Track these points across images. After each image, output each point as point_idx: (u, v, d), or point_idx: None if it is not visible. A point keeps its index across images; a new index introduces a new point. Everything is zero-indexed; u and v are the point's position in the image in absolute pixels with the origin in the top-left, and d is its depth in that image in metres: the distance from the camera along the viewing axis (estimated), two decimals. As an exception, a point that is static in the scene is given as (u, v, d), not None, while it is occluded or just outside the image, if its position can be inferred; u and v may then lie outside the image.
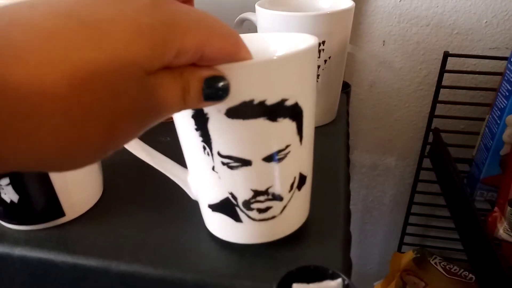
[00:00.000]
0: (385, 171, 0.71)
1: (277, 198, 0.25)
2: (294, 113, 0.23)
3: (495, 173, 0.50)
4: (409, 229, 0.71)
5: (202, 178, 0.26)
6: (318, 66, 0.40)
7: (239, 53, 0.19)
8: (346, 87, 0.55)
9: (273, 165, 0.24)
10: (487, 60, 0.58)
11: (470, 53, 0.58)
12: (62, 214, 0.30)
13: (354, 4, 0.40)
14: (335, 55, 0.40)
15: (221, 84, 0.19)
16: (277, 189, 0.25)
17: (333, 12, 0.38)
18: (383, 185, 0.73)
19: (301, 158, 0.26)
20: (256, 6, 0.41)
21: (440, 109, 0.60)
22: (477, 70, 0.59)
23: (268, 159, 0.23)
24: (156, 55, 0.15)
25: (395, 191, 0.73)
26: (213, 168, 0.24)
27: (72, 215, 0.31)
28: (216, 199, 0.26)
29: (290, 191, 0.26)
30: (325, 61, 0.40)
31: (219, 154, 0.23)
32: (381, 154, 0.69)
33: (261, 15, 0.41)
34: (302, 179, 0.26)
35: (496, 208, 0.47)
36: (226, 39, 0.18)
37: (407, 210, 0.68)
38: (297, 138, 0.24)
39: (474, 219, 0.44)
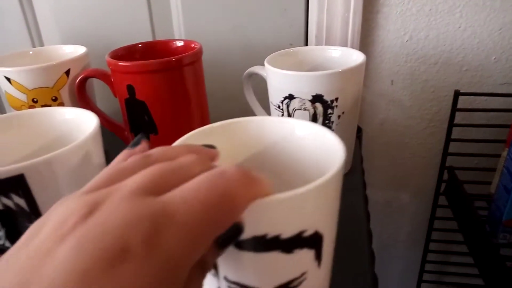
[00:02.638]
0: (399, 208, 0.69)
1: None
2: (313, 242, 0.21)
3: (517, 216, 0.48)
4: (427, 267, 0.69)
5: None
6: (332, 122, 0.39)
7: (254, 197, 0.17)
8: (357, 132, 0.54)
9: None
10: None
11: (480, 89, 0.58)
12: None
13: (365, 58, 0.40)
14: (349, 109, 0.40)
15: (236, 229, 0.18)
16: None
17: (345, 70, 0.37)
18: (398, 222, 0.71)
19: (319, 280, 0.23)
20: (266, 64, 0.41)
21: (453, 146, 0.59)
22: (489, 106, 0.58)
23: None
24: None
25: (410, 228, 0.71)
26: None
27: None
28: None
29: None
30: (339, 116, 0.39)
31: (225, 279, 0.21)
32: (394, 191, 0.68)
33: (271, 73, 0.40)
34: None
35: (521, 254, 0.46)
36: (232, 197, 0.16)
37: (425, 248, 0.67)
38: (315, 263, 0.21)
39: (502, 267, 0.43)
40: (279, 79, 0.39)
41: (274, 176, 0.28)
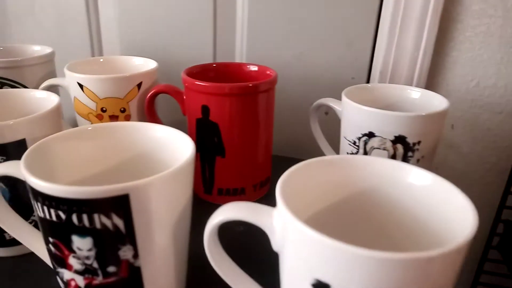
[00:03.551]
0: (443, 256, 0.67)
1: None
2: None
3: None
4: (468, 321, 0.66)
5: None
6: (410, 165, 0.38)
7: None
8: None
9: None
10: None
11: (545, 142, 0.56)
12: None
13: (449, 104, 0.39)
14: (428, 154, 0.38)
15: None
16: None
17: (432, 113, 0.36)
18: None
19: None
20: (344, 98, 0.40)
21: (511, 199, 0.57)
22: (554, 162, 0.56)
23: None
24: None
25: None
26: None
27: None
28: None
29: None
30: (418, 160, 0.38)
31: None
32: (441, 238, 0.65)
33: (351, 108, 0.39)
34: None
35: None
36: None
37: (468, 302, 0.64)
38: None
39: None
40: (359, 115, 0.38)
41: (372, 225, 0.27)
